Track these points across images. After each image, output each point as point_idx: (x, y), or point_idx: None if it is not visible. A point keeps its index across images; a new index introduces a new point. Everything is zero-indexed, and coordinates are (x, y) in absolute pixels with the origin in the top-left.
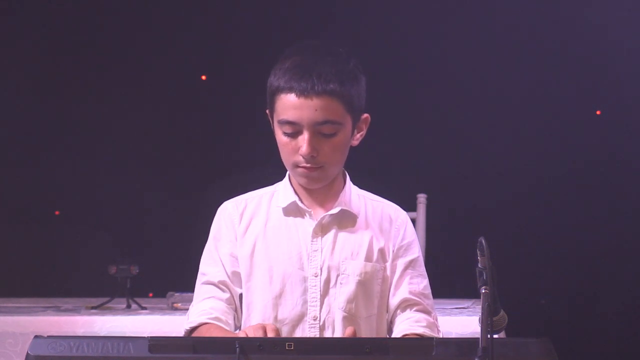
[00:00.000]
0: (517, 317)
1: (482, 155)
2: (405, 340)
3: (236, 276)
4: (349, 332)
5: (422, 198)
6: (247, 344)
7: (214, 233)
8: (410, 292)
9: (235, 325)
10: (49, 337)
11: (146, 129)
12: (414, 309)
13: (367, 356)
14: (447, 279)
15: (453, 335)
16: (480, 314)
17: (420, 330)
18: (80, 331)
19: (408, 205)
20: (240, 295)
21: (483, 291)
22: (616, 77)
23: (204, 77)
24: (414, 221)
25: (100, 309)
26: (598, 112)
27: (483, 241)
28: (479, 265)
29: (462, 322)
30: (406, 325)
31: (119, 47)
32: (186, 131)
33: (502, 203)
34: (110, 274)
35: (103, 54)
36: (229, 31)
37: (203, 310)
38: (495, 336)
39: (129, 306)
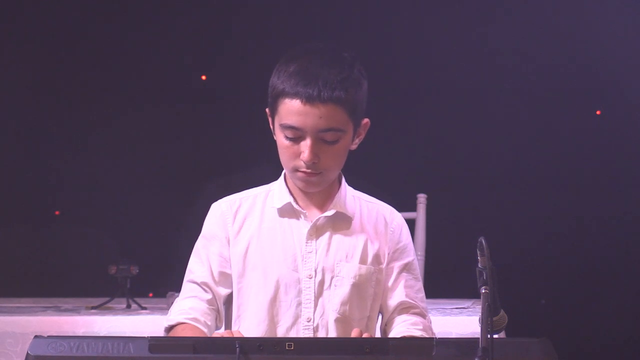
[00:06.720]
0: (517, 317)
1: (482, 155)
2: (405, 340)
3: (223, 277)
4: (355, 333)
5: (422, 198)
6: (247, 344)
7: (204, 231)
8: (407, 296)
9: (217, 325)
10: (49, 337)
11: (146, 129)
12: (411, 312)
13: (367, 356)
14: (447, 279)
15: (453, 335)
16: (480, 314)
17: (417, 333)
18: (80, 331)
19: (408, 206)
20: (227, 296)
21: (483, 291)
22: (616, 77)
23: (204, 77)
24: (414, 221)
25: (100, 309)
26: (598, 112)
27: (483, 241)
28: (479, 265)
29: (462, 322)
30: (403, 327)
31: (119, 47)
32: (186, 131)
33: (502, 203)
34: (110, 274)
35: (102, 54)
36: (228, 31)
37: (182, 309)
38: (495, 336)
39: (129, 306)
